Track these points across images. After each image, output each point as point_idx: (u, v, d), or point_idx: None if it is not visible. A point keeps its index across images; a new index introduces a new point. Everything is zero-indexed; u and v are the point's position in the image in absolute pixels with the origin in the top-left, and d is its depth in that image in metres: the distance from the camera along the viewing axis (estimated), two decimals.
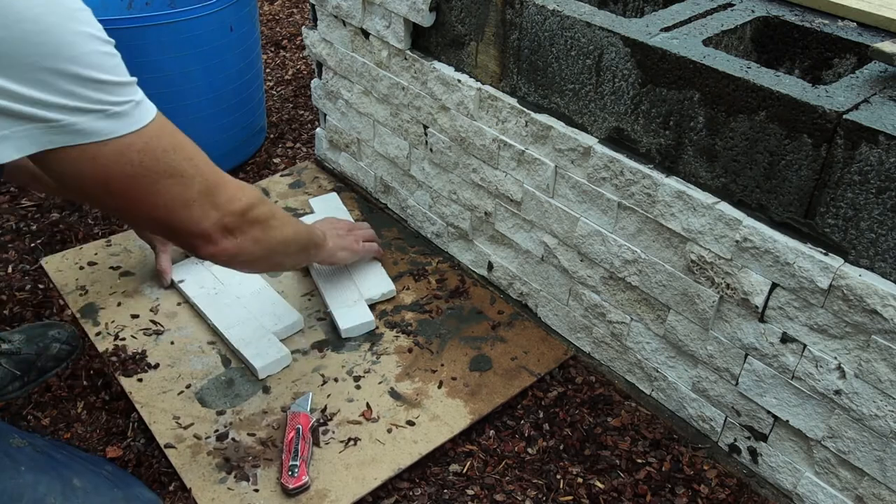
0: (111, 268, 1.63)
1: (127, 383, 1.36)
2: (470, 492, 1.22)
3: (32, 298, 1.58)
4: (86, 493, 0.95)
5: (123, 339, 1.45)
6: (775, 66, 1.22)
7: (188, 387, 1.36)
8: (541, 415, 1.35)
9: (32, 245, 1.74)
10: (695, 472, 1.25)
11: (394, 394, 1.36)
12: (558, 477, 1.25)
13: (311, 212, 1.80)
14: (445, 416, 1.32)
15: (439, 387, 1.37)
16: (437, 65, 1.48)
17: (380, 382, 1.38)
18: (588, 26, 1.17)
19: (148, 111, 0.89)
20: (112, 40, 0.85)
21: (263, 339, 1.42)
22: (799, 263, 1.02)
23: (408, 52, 1.53)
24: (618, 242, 1.26)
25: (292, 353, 1.42)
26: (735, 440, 1.24)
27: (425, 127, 1.57)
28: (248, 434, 1.28)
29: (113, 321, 1.49)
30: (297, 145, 2.15)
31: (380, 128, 1.72)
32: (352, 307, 1.50)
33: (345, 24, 1.67)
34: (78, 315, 1.51)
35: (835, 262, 0.99)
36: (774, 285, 1.07)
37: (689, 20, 1.18)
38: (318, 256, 1.43)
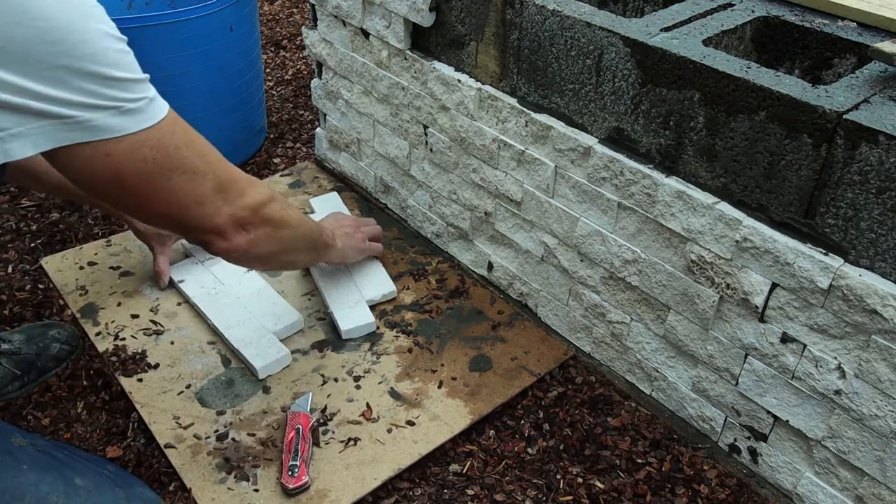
0: (111, 268, 1.63)
1: (127, 383, 1.36)
2: (470, 492, 1.22)
3: (32, 298, 1.58)
4: (88, 493, 0.95)
5: (123, 339, 1.45)
6: (775, 66, 1.22)
7: (188, 387, 1.36)
8: (541, 415, 1.35)
9: (32, 245, 1.74)
10: (695, 472, 1.25)
11: (394, 394, 1.36)
12: (558, 477, 1.25)
13: (312, 211, 1.80)
14: (445, 416, 1.32)
15: (439, 387, 1.37)
16: (437, 65, 1.48)
17: (380, 382, 1.38)
18: (588, 26, 1.17)
19: (161, 108, 0.89)
20: (125, 38, 0.86)
21: (263, 339, 1.42)
22: (799, 263, 1.02)
23: (408, 52, 1.53)
24: (618, 242, 1.26)
25: (292, 353, 1.42)
26: (735, 440, 1.24)
27: (425, 127, 1.57)
28: (248, 434, 1.28)
29: (113, 321, 1.49)
30: (297, 145, 2.15)
31: (380, 128, 1.72)
32: (352, 308, 1.49)
33: (345, 24, 1.67)
34: (78, 315, 1.51)
35: (835, 262, 0.99)
36: (774, 285, 1.07)
37: (689, 20, 1.18)
38: (327, 256, 1.42)
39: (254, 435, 1.28)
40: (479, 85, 1.40)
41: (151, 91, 0.88)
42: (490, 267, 1.59)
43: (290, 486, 1.17)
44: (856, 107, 0.94)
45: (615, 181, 1.22)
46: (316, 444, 1.26)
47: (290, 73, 2.55)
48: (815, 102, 0.95)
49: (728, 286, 1.12)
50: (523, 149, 1.36)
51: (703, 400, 1.26)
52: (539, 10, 1.23)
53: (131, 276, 1.61)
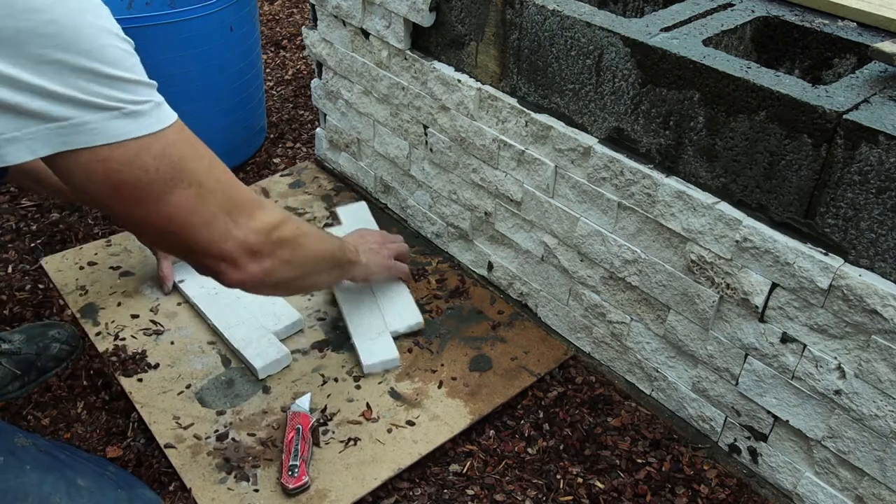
0: (111, 268, 1.63)
1: (127, 383, 1.36)
2: (470, 492, 1.22)
3: (32, 298, 1.58)
4: (90, 493, 0.95)
5: (123, 339, 1.45)
6: (775, 66, 1.22)
7: (188, 387, 1.36)
8: (541, 415, 1.35)
9: (32, 245, 1.74)
10: (695, 472, 1.25)
11: (394, 394, 1.36)
12: (558, 477, 1.25)
13: (339, 223, 1.75)
14: (445, 417, 1.32)
15: (439, 387, 1.37)
16: (437, 65, 1.48)
17: (380, 382, 1.38)
18: (588, 26, 1.17)
19: (167, 115, 0.84)
20: (131, 41, 0.82)
21: (263, 339, 1.42)
22: (799, 263, 1.02)
23: (408, 52, 1.53)
24: (618, 242, 1.26)
25: (292, 353, 1.42)
26: (735, 440, 1.24)
27: (425, 127, 1.57)
28: (248, 434, 1.28)
29: (113, 321, 1.49)
30: (297, 145, 2.15)
31: (380, 128, 1.72)
32: (375, 340, 1.42)
33: (345, 24, 1.67)
34: (78, 315, 1.51)
35: (835, 262, 0.99)
36: (774, 285, 1.07)
37: (689, 20, 1.18)
38: (351, 273, 1.35)
39: (254, 435, 1.28)
40: (479, 85, 1.40)
41: (157, 97, 0.84)
42: (490, 267, 1.59)
43: (290, 486, 1.17)
44: (856, 107, 0.94)
45: (615, 181, 1.22)
46: (316, 444, 1.26)
47: (290, 73, 2.55)
48: (815, 102, 0.95)
49: (728, 286, 1.12)
50: (523, 149, 1.36)
51: (703, 400, 1.26)
52: (539, 10, 1.23)
53: (131, 276, 1.61)
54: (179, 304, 1.54)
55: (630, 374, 1.38)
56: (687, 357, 1.26)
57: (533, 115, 1.31)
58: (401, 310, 1.49)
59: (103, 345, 1.44)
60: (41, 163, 0.81)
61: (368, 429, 1.30)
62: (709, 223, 1.11)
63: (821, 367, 1.06)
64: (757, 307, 1.10)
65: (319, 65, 1.85)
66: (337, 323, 1.51)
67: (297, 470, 1.18)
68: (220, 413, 1.31)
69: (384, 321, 1.46)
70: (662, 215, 1.17)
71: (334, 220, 1.78)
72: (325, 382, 1.38)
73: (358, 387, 1.37)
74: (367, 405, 1.34)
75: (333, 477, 1.21)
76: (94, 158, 0.79)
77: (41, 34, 0.73)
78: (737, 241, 1.08)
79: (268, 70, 2.57)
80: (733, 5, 1.23)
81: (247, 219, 0.93)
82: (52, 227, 1.79)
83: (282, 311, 1.49)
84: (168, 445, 1.26)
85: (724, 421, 1.24)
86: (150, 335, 1.47)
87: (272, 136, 2.19)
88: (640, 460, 1.27)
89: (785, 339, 1.09)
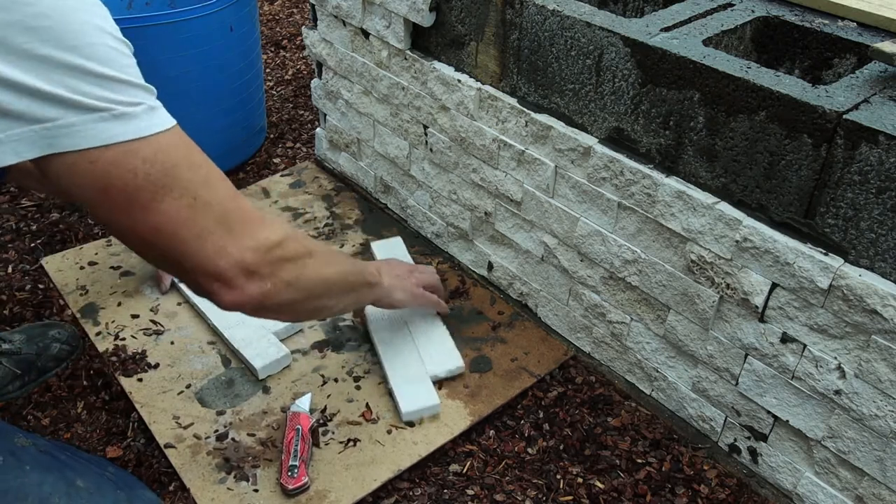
0: (111, 268, 1.63)
1: (127, 383, 1.36)
2: (470, 492, 1.22)
3: (32, 298, 1.58)
4: (90, 494, 0.95)
5: (123, 339, 1.45)
6: (775, 66, 1.22)
7: (188, 387, 1.36)
8: (541, 415, 1.35)
9: (32, 245, 1.74)
10: (695, 472, 1.25)
11: (394, 394, 1.36)
12: (558, 477, 1.25)
13: (373, 258, 1.66)
14: (445, 418, 1.31)
15: (439, 388, 1.37)
16: (437, 65, 1.48)
17: (380, 383, 1.38)
18: (588, 26, 1.17)
19: (163, 120, 0.80)
20: (129, 43, 0.79)
21: (263, 340, 1.42)
22: (799, 263, 1.02)
23: (408, 52, 1.53)
24: (618, 242, 1.26)
25: (292, 353, 1.42)
26: (735, 440, 1.24)
27: (425, 127, 1.57)
28: (248, 434, 1.28)
29: (113, 321, 1.49)
30: (297, 145, 2.15)
31: (380, 128, 1.72)
32: (415, 385, 1.34)
33: (345, 24, 1.67)
34: (78, 315, 1.51)
35: (835, 262, 0.99)
36: (774, 285, 1.07)
37: (689, 20, 1.18)
38: (370, 297, 1.27)
39: (254, 435, 1.28)
40: (479, 85, 1.40)
41: (152, 101, 0.80)
42: (490, 267, 1.59)
43: (290, 487, 1.17)
44: (856, 107, 0.94)
45: (615, 181, 1.22)
46: (316, 444, 1.26)
47: (290, 73, 2.55)
48: (815, 102, 0.95)
49: (728, 286, 1.12)
50: (523, 149, 1.36)
51: (703, 400, 1.26)
52: (539, 10, 1.23)
53: (131, 276, 1.61)
54: (179, 303, 1.54)
55: (630, 374, 1.38)
56: (687, 357, 1.26)
57: (533, 115, 1.31)
58: (440, 352, 1.41)
59: (103, 345, 1.44)
60: None
61: (368, 429, 1.30)
62: (709, 223, 1.11)
63: (821, 367, 1.05)
64: (757, 307, 1.10)
65: (319, 65, 1.85)
66: (337, 323, 1.51)
67: (296, 470, 1.18)
68: (220, 413, 1.31)
69: (423, 365, 1.38)
70: (662, 215, 1.17)
71: (368, 254, 1.68)
72: (325, 383, 1.38)
73: (358, 387, 1.37)
74: (367, 406, 1.34)
75: (333, 478, 1.21)
76: (82, 161, 0.76)
77: (28, 27, 0.70)
78: (737, 241, 1.08)
79: (268, 70, 2.57)
80: (733, 5, 1.23)
81: (245, 236, 0.87)
82: (52, 227, 1.78)
83: None
84: (168, 445, 1.26)
85: (724, 421, 1.24)
86: (151, 335, 1.47)
87: (272, 136, 2.19)
88: (640, 460, 1.27)
89: (785, 339, 1.09)
